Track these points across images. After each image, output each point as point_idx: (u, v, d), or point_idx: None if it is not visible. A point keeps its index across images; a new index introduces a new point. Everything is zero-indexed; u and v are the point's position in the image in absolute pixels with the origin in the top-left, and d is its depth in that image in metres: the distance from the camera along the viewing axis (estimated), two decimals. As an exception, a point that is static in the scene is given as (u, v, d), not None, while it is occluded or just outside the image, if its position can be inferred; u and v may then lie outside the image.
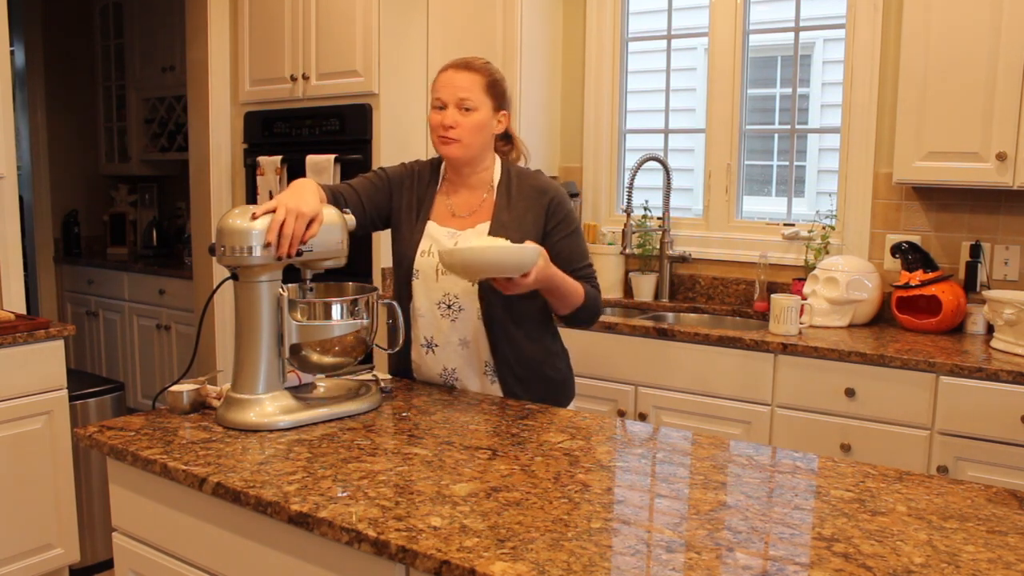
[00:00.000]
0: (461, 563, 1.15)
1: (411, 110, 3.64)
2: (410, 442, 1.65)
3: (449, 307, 2.00)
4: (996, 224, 2.97)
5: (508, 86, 2.06)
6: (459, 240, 1.99)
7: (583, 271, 2.03)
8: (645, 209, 3.63)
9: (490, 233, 1.98)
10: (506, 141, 2.12)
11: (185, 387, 1.84)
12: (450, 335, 2.02)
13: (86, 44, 5.64)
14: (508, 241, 1.83)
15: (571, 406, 2.13)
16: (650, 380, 3.00)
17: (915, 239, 3.07)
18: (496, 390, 2.03)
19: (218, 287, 1.99)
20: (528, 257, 1.78)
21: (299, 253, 1.76)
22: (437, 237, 2.02)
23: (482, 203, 2.04)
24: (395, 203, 2.09)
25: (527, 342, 2.03)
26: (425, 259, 2.01)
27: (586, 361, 3.08)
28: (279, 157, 3.81)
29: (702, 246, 3.56)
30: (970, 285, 2.95)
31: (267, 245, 1.71)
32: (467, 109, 1.95)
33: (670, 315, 3.47)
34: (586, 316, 2.04)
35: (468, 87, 1.96)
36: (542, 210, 2.00)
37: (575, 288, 1.97)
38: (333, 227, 1.83)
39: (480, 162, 2.03)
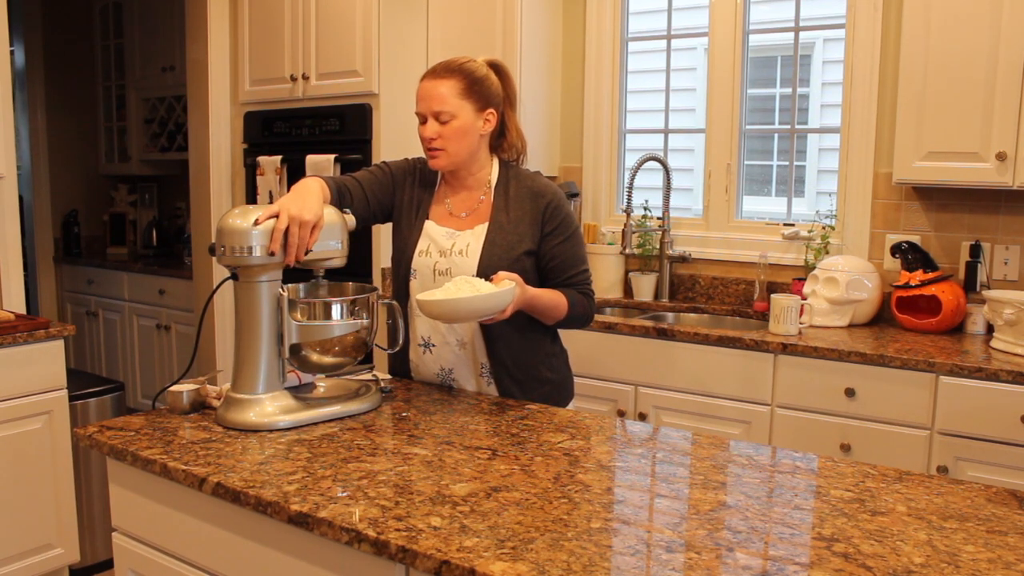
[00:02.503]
0: (461, 563, 1.15)
1: (411, 110, 3.60)
2: (410, 442, 1.65)
3: None
4: (996, 224, 2.97)
5: (496, 82, 2.00)
6: (456, 241, 1.99)
7: (577, 277, 2.03)
8: (645, 209, 3.63)
9: (488, 235, 1.97)
10: (500, 138, 2.07)
11: (185, 387, 1.84)
12: (447, 336, 2.02)
13: (86, 44, 5.64)
14: (484, 281, 1.84)
15: (570, 406, 2.13)
16: (650, 380, 3.00)
17: (915, 239, 3.07)
18: (492, 391, 2.03)
19: (218, 287, 1.99)
20: (504, 299, 1.81)
21: (305, 252, 1.77)
22: (435, 237, 2.02)
23: (480, 204, 2.03)
24: (397, 199, 2.10)
25: (523, 344, 2.02)
26: (423, 259, 2.01)
27: (586, 361, 3.08)
28: (279, 157, 3.81)
29: (702, 246, 3.56)
30: (970, 285, 2.95)
31: (271, 253, 1.71)
32: (444, 121, 1.94)
33: (670, 315, 3.47)
34: (573, 324, 2.05)
35: (442, 96, 1.93)
36: (538, 214, 1.99)
37: (556, 303, 1.98)
38: (333, 228, 1.83)
39: (473, 164, 2.02)
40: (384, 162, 2.13)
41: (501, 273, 1.86)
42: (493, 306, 1.80)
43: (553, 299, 1.98)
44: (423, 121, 1.97)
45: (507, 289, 1.81)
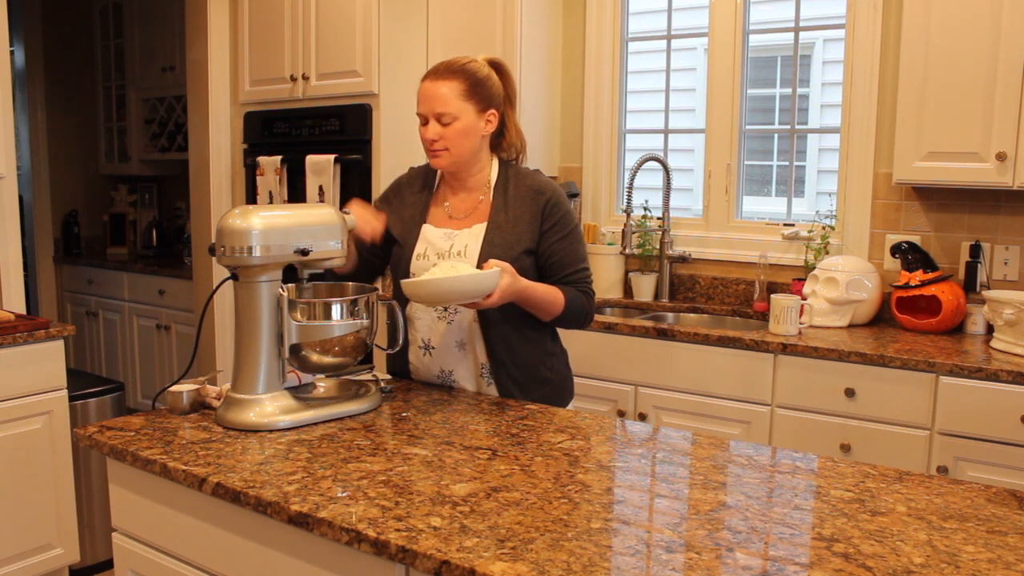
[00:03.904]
0: (461, 563, 1.15)
1: (411, 110, 3.59)
2: (410, 442, 1.65)
3: (445, 309, 2.00)
4: (996, 224, 2.97)
5: (498, 82, 2.00)
6: (454, 241, 1.99)
7: (576, 275, 2.01)
8: (645, 209, 3.63)
9: (486, 235, 1.97)
10: (500, 137, 2.06)
11: (185, 387, 1.84)
12: (447, 337, 2.02)
13: (86, 44, 5.64)
14: (470, 266, 1.84)
15: (570, 406, 2.13)
16: (650, 380, 3.00)
17: (915, 239, 3.07)
18: (492, 392, 2.03)
19: (218, 287, 1.99)
20: (487, 282, 1.80)
21: (305, 253, 1.77)
22: (432, 240, 2.02)
23: (479, 204, 2.03)
24: (392, 218, 2.10)
25: (523, 344, 2.02)
26: (420, 263, 2.00)
27: (586, 361, 3.08)
28: (279, 157, 3.81)
29: (702, 246, 3.56)
30: (970, 285, 2.95)
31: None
32: (446, 123, 1.93)
33: (670, 315, 3.47)
34: (571, 322, 2.04)
35: (445, 99, 1.92)
36: (538, 211, 1.98)
37: (551, 298, 1.96)
38: (333, 227, 1.83)
39: (474, 164, 2.02)
40: (377, 200, 2.17)
41: (492, 261, 1.86)
42: (474, 288, 1.79)
43: (548, 294, 1.96)
44: (424, 122, 1.97)
45: (489, 272, 1.80)
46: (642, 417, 3.02)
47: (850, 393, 2.64)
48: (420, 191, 2.10)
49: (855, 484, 1.46)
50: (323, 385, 1.95)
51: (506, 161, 2.08)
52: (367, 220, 1.99)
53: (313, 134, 3.79)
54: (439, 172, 2.09)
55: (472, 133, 1.96)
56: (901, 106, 2.86)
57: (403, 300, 2.05)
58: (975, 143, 2.71)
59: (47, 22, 5.44)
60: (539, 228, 1.99)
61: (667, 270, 3.56)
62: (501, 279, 1.82)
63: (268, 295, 1.75)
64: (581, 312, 2.03)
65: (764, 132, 3.92)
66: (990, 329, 2.86)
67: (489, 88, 1.97)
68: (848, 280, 2.97)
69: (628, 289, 3.65)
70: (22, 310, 3.26)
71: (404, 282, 1.82)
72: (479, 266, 1.93)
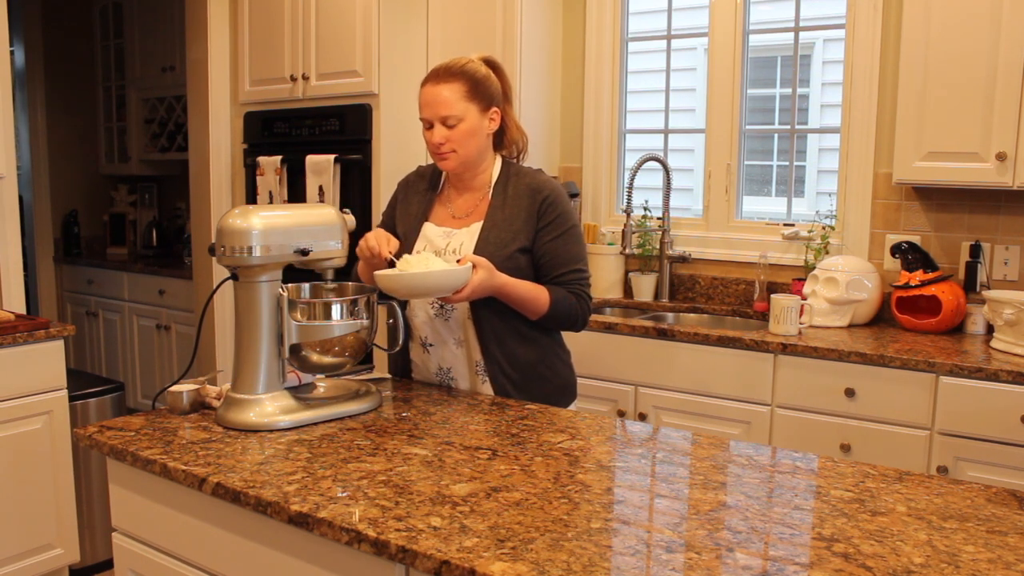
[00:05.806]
0: (461, 563, 1.15)
1: (411, 110, 3.60)
2: (410, 442, 1.65)
3: (442, 307, 2.00)
4: (996, 224, 2.97)
5: (496, 81, 2.01)
6: (451, 240, 2.00)
7: (569, 275, 2.00)
8: (645, 209, 3.63)
9: (482, 233, 1.98)
10: (500, 135, 2.07)
11: (185, 387, 1.84)
12: (445, 335, 2.02)
13: (86, 44, 5.64)
14: (444, 262, 1.85)
15: (572, 408, 2.12)
16: (650, 380, 3.00)
17: (915, 239, 3.07)
18: (487, 389, 2.02)
19: (218, 287, 1.99)
20: (456, 277, 1.81)
21: (305, 253, 1.77)
22: (432, 237, 2.02)
23: (479, 203, 2.04)
24: (399, 216, 2.13)
25: (520, 343, 2.01)
26: None
27: (586, 361, 3.08)
28: (279, 157, 3.81)
29: (702, 246, 3.56)
30: (970, 285, 2.95)
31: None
32: (451, 125, 1.94)
33: (670, 315, 3.47)
34: (558, 323, 2.03)
35: (448, 101, 1.93)
36: (534, 210, 1.98)
37: (533, 296, 1.95)
38: (333, 228, 1.83)
39: (479, 164, 2.03)
40: (390, 202, 2.19)
41: (466, 256, 1.87)
42: (443, 283, 1.80)
43: (531, 292, 1.95)
44: (429, 127, 1.97)
45: (458, 269, 1.81)
46: (642, 417, 3.02)
47: (850, 393, 2.64)
48: (426, 190, 2.12)
49: (855, 484, 1.46)
50: (323, 385, 1.95)
51: (508, 160, 2.08)
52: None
53: (313, 134, 3.78)
54: (444, 174, 2.10)
55: (478, 133, 1.97)
56: (901, 106, 2.86)
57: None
58: (975, 143, 2.71)
59: (47, 22, 5.44)
60: (535, 226, 1.99)
61: (667, 270, 3.56)
62: (474, 274, 1.83)
63: (268, 295, 1.75)
64: (569, 314, 2.00)
65: (764, 132, 3.92)
66: (990, 329, 2.86)
67: (489, 87, 1.98)
68: (848, 280, 2.97)
69: (628, 289, 3.65)
70: (22, 310, 3.26)
71: (377, 274, 1.83)
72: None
